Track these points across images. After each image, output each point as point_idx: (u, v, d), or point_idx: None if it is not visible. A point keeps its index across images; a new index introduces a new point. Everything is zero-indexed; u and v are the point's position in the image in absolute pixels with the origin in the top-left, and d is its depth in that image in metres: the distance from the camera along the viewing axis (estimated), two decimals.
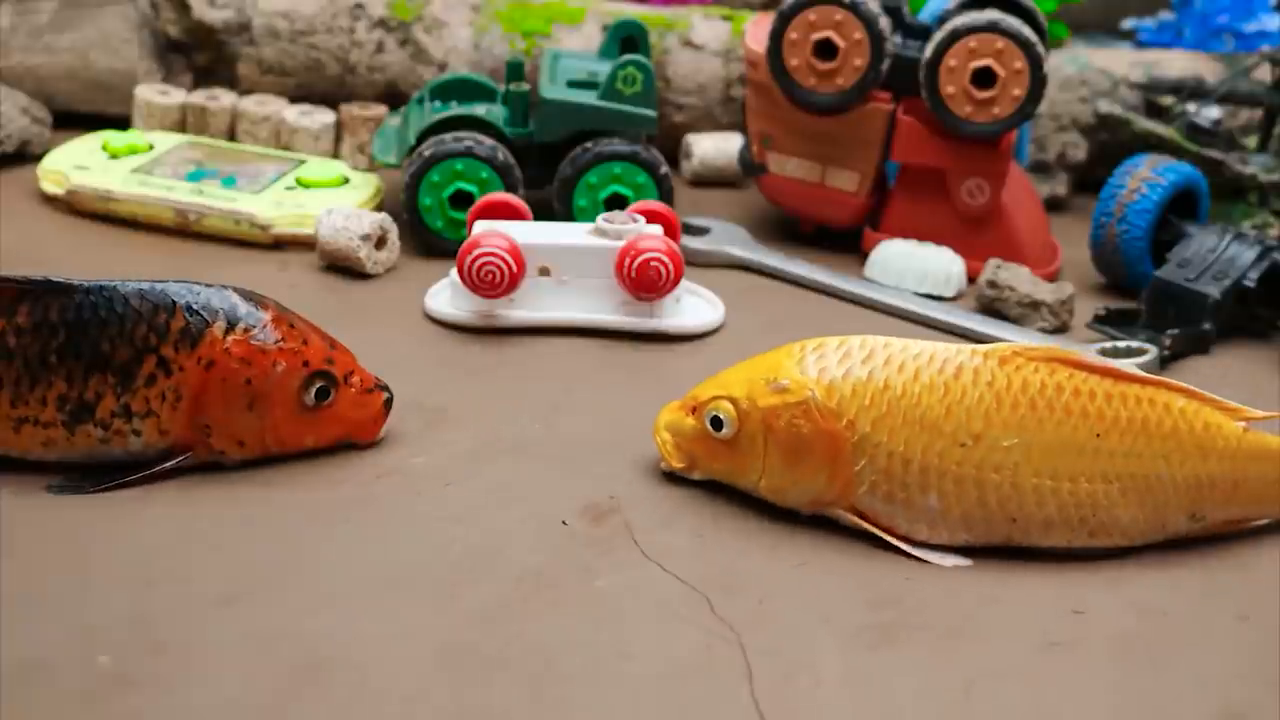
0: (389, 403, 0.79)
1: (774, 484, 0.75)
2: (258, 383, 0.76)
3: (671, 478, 0.79)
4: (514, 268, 0.90)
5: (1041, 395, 0.73)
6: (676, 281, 0.92)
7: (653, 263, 0.91)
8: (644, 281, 0.91)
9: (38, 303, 0.75)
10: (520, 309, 0.92)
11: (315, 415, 0.77)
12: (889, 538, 0.74)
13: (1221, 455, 0.75)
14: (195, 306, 0.76)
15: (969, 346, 0.75)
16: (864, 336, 0.76)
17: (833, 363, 0.75)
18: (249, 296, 0.77)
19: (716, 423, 0.75)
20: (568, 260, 0.92)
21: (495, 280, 0.90)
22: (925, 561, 0.74)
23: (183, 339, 0.75)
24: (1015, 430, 0.73)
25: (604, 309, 0.93)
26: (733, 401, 0.75)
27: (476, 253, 0.90)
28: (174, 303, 0.76)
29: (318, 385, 0.77)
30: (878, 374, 0.74)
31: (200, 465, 0.76)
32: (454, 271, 0.92)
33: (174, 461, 0.76)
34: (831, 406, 0.74)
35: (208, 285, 0.77)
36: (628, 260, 0.91)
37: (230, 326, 0.76)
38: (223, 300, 0.76)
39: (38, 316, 0.75)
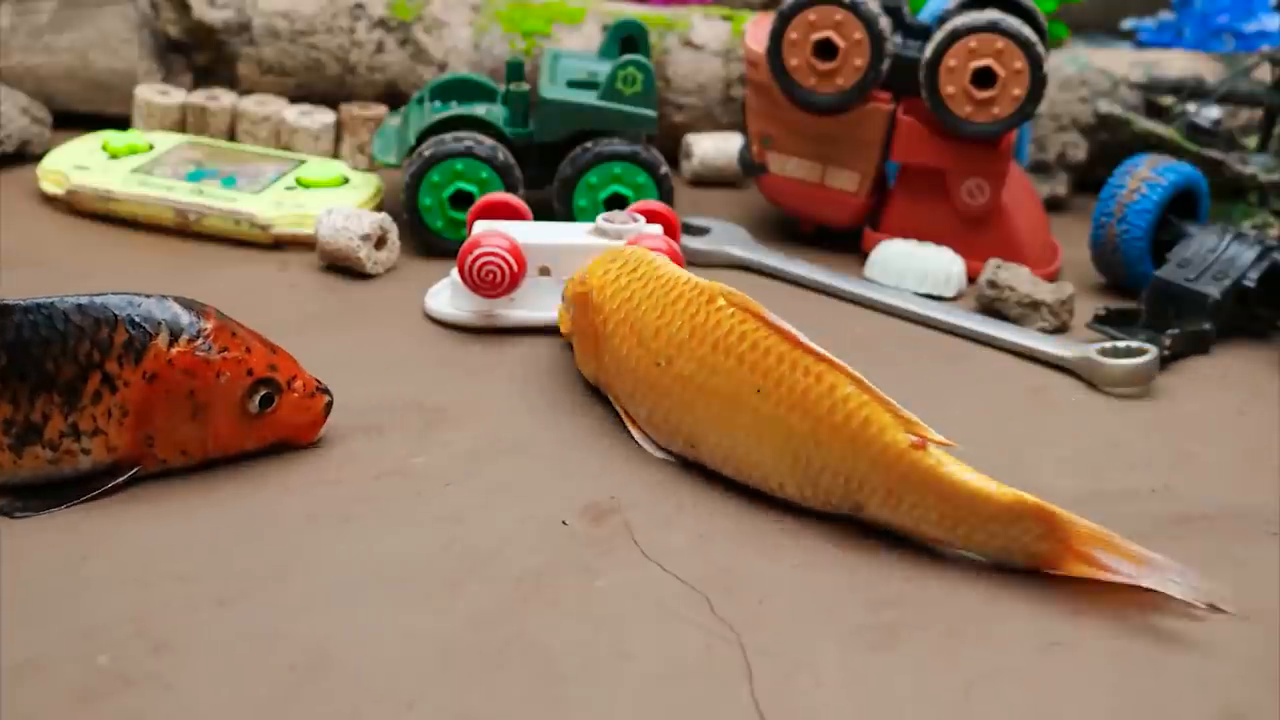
0: (329, 405, 0.79)
1: (576, 356, 0.86)
2: (201, 394, 0.75)
3: (676, 478, 0.78)
4: (515, 267, 0.90)
5: (725, 339, 0.77)
6: None
7: None
8: None
9: None
10: (520, 309, 0.92)
11: (258, 421, 0.77)
12: (629, 425, 0.81)
13: (874, 461, 0.73)
14: (137, 319, 0.75)
15: (695, 278, 0.80)
16: (647, 252, 0.84)
17: (614, 268, 0.83)
18: (190, 305, 0.76)
19: (562, 299, 0.87)
20: (568, 260, 0.92)
21: (496, 280, 0.90)
22: (643, 449, 0.80)
23: (126, 353, 0.74)
24: (694, 364, 0.77)
25: None
26: (573, 284, 0.85)
27: (477, 252, 0.90)
28: (115, 315, 0.74)
29: (262, 393, 0.76)
30: (630, 285, 0.81)
31: (151, 475, 0.76)
32: (454, 271, 0.92)
33: (125, 476, 0.75)
34: (596, 303, 0.82)
35: (148, 296, 0.76)
36: None
37: (174, 338, 0.75)
38: (165, 311, 0.75)
39: None
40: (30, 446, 0.74)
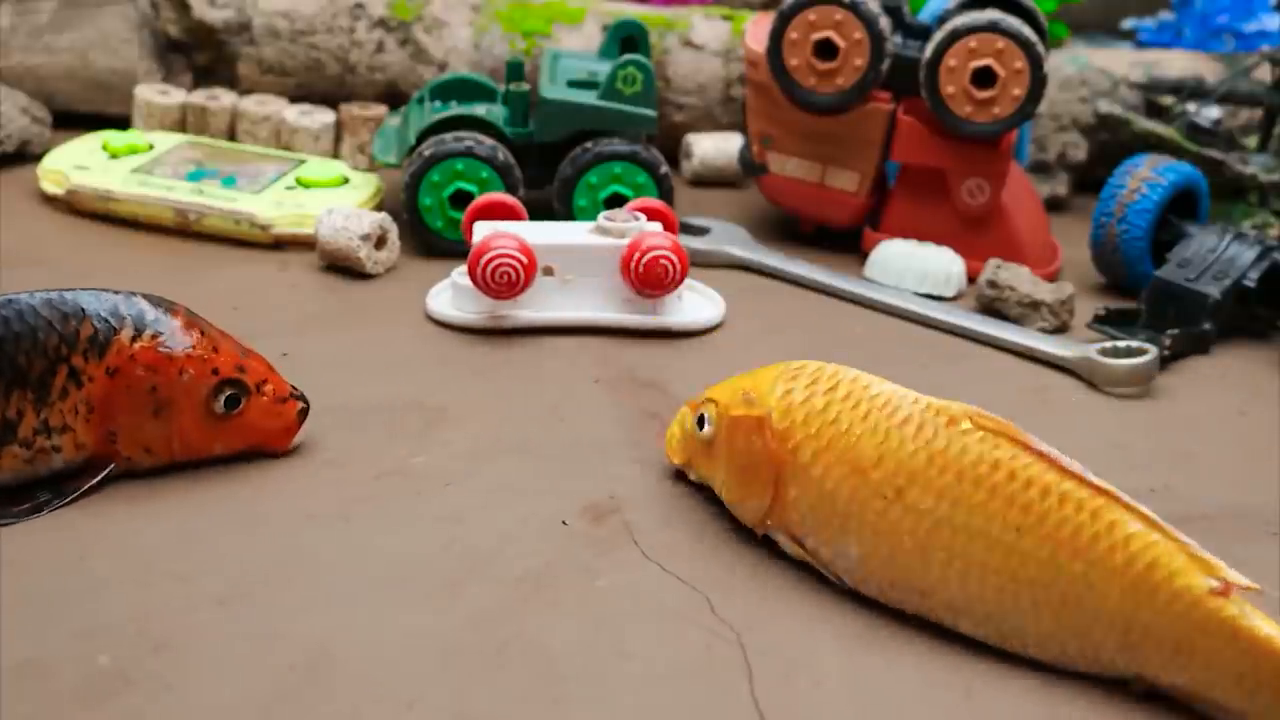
0: (304, 413, 0.78)
1: (730, 494, 0.73)
2: (164, 390, 0.74)
3: (676, 478, 0.79)
4: (527, 268, 0.90)
5: (972, 467, 0.67)
6: (683, 278, 0.92)
7: (661, 260, 0.91)
8: (651, 278, 0.91)
9: None
10: (524, 309, 0.92)
11: (225, 423, 0.76)
12: (826, 572, 0.70)
13: (1161, 609, 0.63)
14: (103, 314, 0.74)
15: (925, 399, 0.70)
16: (842, 368, 0.73)
17: (799, 386, 0.72)
18: (158, 303, 0.76)
19: (701, 422, 0.75)
20: (571, 260, 0.92)
21: (511, 281, 0.90)
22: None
23: (91, 347, 0.73)
24: (935, 496, 0.67)
25: (607, 307, 0.93)
26: (716, 405, 0.74)
27: (489, 255, 0.90)
28: (83, 310, 0.74)
29: (227, 394, 0.75)
30: (832, 406, 0.71)
31: (126, 473, 0.76)
32: (455, 273, 0.92)
33: (102, 475, 0.74)
34: (781, 429, 0.71)
35: (116, 292, 0.75)
36: (635, 257, 0.91)
37: (138, 333, 0.74)
38: (130, 307, 0.75)
39: None
40: (8, 446, 0.73)
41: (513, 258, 0.90)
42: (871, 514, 0.68)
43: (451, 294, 0.94)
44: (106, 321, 0.74)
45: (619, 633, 0.67)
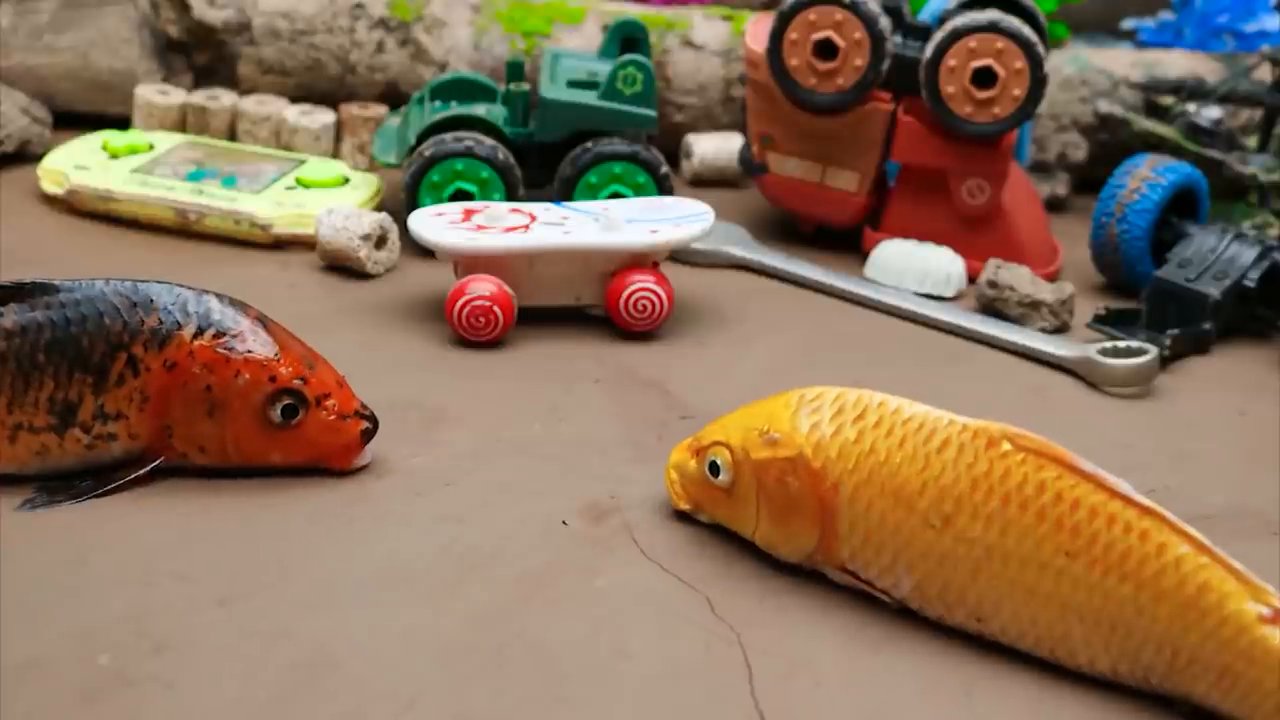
0: (368, 433, 0.77)
1: (766, 537, 0.71)
2: (218, 390, 0.74)
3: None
4: (505, 312, 0.90)
5: (1018, 491, 0.66)
6: (668, 312, 0.93)
7: (645, 295, 0.92)
8: (639, 314, 0.92)
9: (25, 304, 0.74)
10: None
11: (281, 434, 0.75)
12: (884, 597, 0.69)
13: (1210, 634, 0.62)
14: (171, 307, 0.75)
15: (961, 420, 0.69)
16: (861, 391, 0.71)
17: (825, 418, 0.70)
18: (231, 304, 0.76)
19: (714, 469, 0.72)
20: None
21: (488, 324, 0.90)
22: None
23: (153, 339, 0.74)
24: (983, 523, 0.66)
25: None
26: (729, 449, 0.72)
27: (465, 300, 0.89)
28: (151, 301, 0.75)
29: (284, 403, 0.75)
30: (865, 436, 0.69)
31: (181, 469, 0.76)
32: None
33: (148, 467, 0.75)
34: (818, 467, 0.69)
35: (190, 288, 0.76)
36: (624, 295, 0.92)
37: (200, 331, 0.74)
38: (199, 304, 0.75)
39: (23, 317, 0.74)
40: (70, 428, 0.74)
41: (488, 301, 0.89)
42: (921, 544, 0.67)
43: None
44: (172, 315, 0.74)
45: (619, 633, 0.67)
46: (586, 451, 0.81)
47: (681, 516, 0.76)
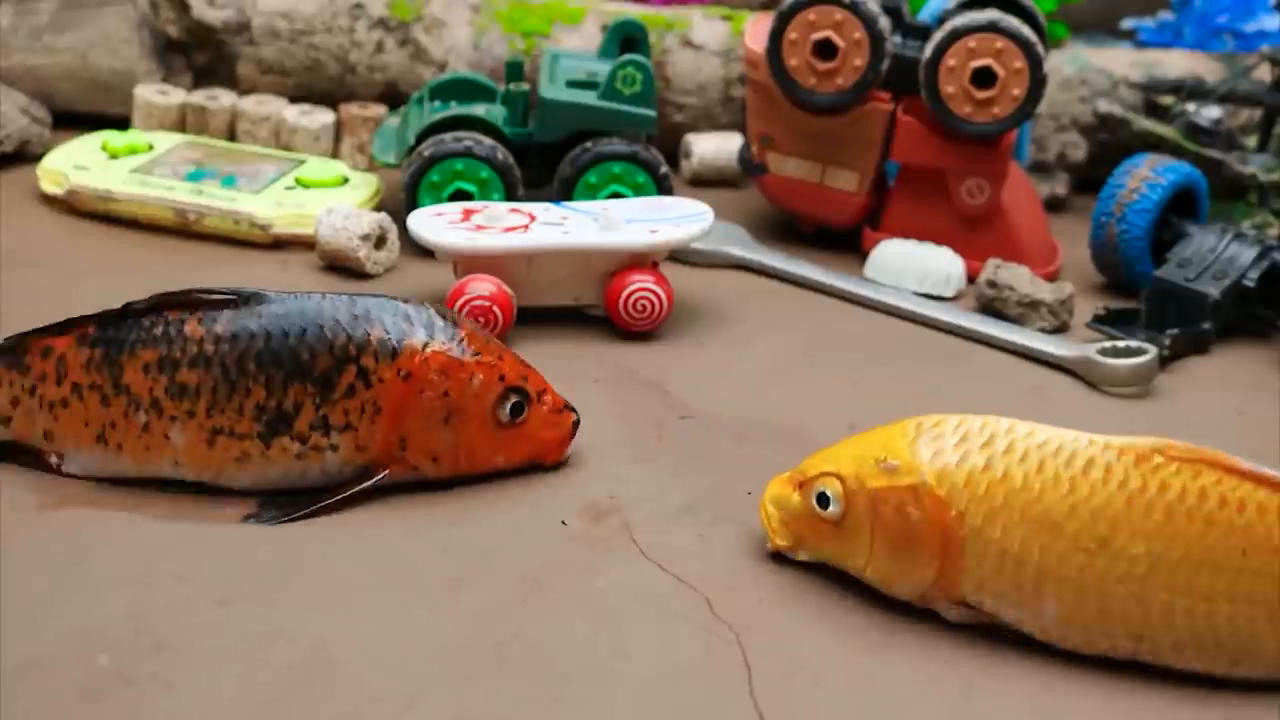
0: (577, 424, 0.78)
1: (880, 571, 0.69)
2: (455, 395, 0.75)
3: (670, 477, 0.78)
4: (504, 312, 0.90)
5: (1181, 501, 0.65)
6: (668, 312, 0.92)
7: (641, 294, 0.92)
8: (638, 314, 0.92)
9: (238, 312, 0.74)
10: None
11: (508, 433, 0.76)
12: (1011, 630, 0.68)
13: None
14: (394, 317, 0.75)
15: (1101, 439, 0.67)
16: (986, 417, 0.69)
17: (948, 445, 0.68)
18: (443, 313, 0.76)
19: (823, 500, 0.70)
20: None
21: (484, 325, 0.89)
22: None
23: (382, 349, 0.74)
24: (1147, 539, 0.65)
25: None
26: (840, 479, 0.69)
27: (465, 299, 0.89)
28: (372, 313, 0.75)
29: (513, 401, 0.76)
30: (996, 462, 0.67)
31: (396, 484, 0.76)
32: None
33: (374, 480, 0.75)
34: (942, 495, 0.67)
35: (404, 301, 0.76)
36: (624, 294, 0.92)
37: (429, 338, 0.75)
38: (420, 313, 0.76)
39: (235, 324, 0.74)
40: (279, 437, 0.74)
41: (487, 301, 0.89)
42: (1072, 569, 0.66)
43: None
44: (398, 325, 0.75)
45: (619, 633, 0.67)
46: (586, 451, 0.81)
47: (680, 515, 0.76)
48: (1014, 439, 0.68)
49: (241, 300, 0.74)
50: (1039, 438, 0.68)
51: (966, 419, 0.69)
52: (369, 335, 0.74)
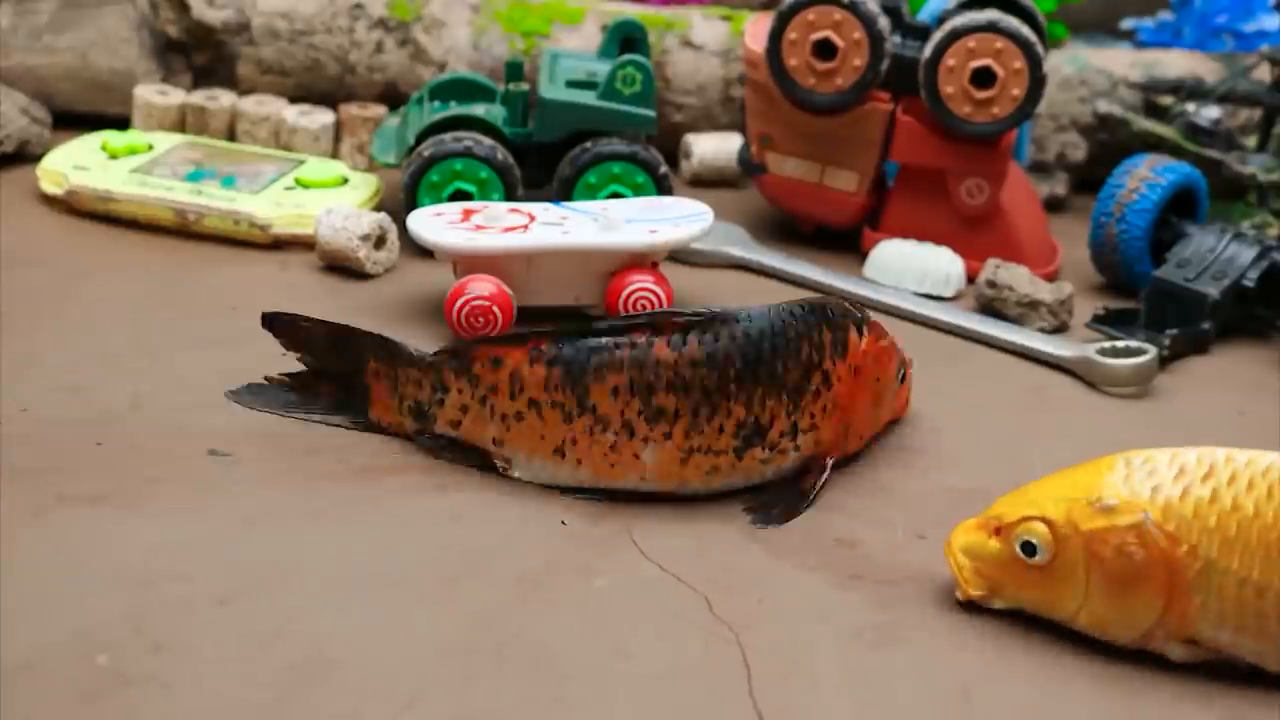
0: (902, 374, 0.83)
1: (1096, 616, 0.67)
2: (883, 379, 0.80)
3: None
4: (504, 312, 0.89)
5: None
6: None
7: (641, 294, 0.91)
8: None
9: (706, 333, 0.76)
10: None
11: (892, 398, 0.82)
12: (1246, 665, 0.66)
13: None
14: (834, 317, 0.78)
15: None
16: (1200, 449, 0.67)
17: (1166, 480, 0.66)
18: (838, 305, 0.80)
19: (1028, 548, 0.67)
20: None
21: (484, 325, 0.89)
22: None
23: (835, 349, 0.77)
24: None
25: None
26: (1048, 523, 0.67)
27: (464, 300, 0.89)
28: (814, 318, 0.77)
29: (903, 371, 0.82)
30: (1222, 493, 0.65)
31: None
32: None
33: (828, 470, 0.78)
34: (1169, 530, 0.65)
35: (815, 299, 0.80)
36: (624, 295, 0.91)
37: (859, 332, 0.79)
38: (839, 308, 0.79)
39: (709, 347, 0.75)
40: (752, 449, 0.76)
41: (487, 301, 0.89)
42: None
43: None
44: (837, 325, 0.78)
45: (619, 633, 0.67)
46: None
47: (679, 515, 0.76)
48: (1236, 470, 0.66)
49: (710, 321, 0.76)
50: (1261, 464, 0.66)
51: (1180, 452, 0.67)
52: (823, 339, 0.77)
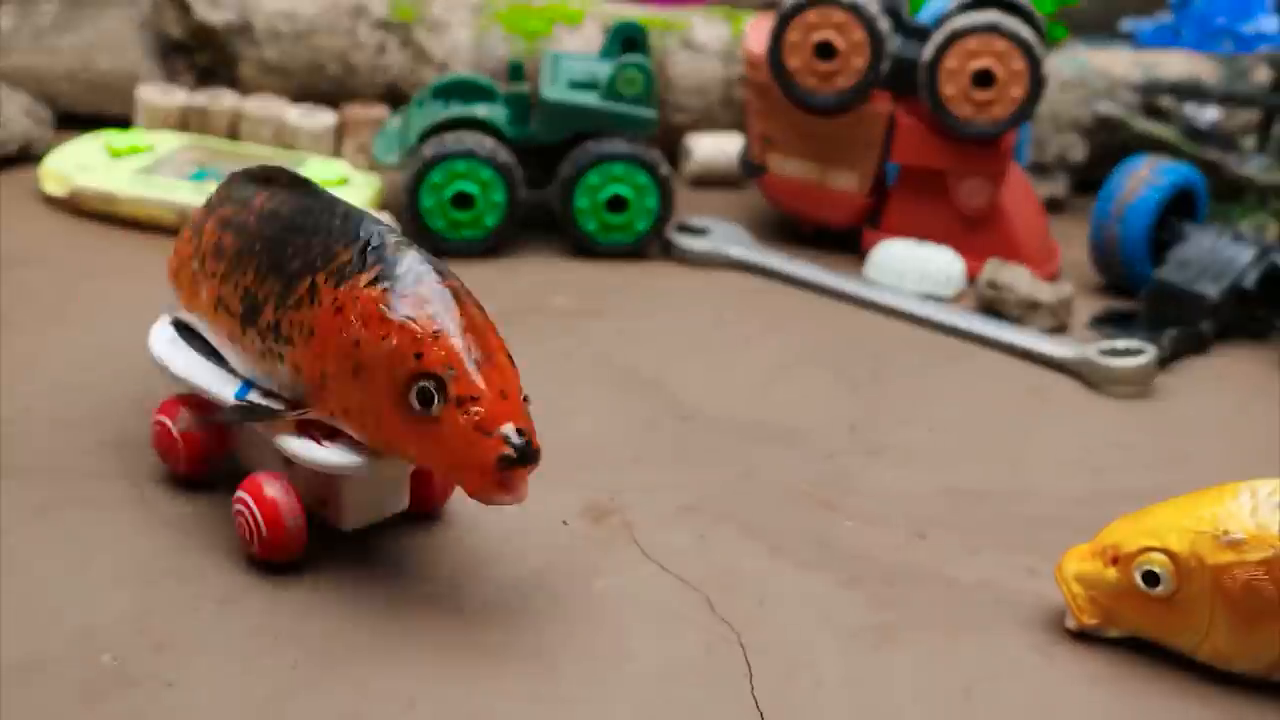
0: (505, 462, 0.64)
1: (1220, 648, 0.65)
2: (365, 350, 0.65)
3: (670, 477, 0.78)
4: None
5: None
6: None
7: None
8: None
9: (287, 191, 0.72)
10: None
11: (418, 425, 0.64)
12: None
13: None
14: (366, 246, 0.67)
15: None
16: None
17: (1271, 506, 0.64)
18: (428, 260, 0.67)
19: (1150, 578, 0.66)
20: None
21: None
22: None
23: (337, 270, 0.67)
24: None
25: None
26: (1170, 555, 0.65)
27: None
28: (352, 229, 0.68)
29: (419, 386, 0.64)
30: None
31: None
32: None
33: (299, 412, 0.68)
34: None
35: (396, 232, 0.69)
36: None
37: (376, 279, 0.66)
38: (395, 253, 0.67)
39: (275, 202, 0.72)
40: (250, 327, 0.70)
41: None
42: None
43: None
44: (363, 255, 0.67)
45: (619, 633, 0.67)
46: (586, 451, 0.81)
47: (680, 515, 0.76)
48: None
49: (286, 182, 0.72)
50: None
51: None
52: (335, 252, 0.68)
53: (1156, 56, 1.21)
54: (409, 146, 1.02)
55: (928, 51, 1.01)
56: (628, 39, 1.09)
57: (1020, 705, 0.65)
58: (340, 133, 1.14)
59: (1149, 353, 0.92)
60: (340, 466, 0.68)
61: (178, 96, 1.15)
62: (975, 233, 1.05)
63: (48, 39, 1.16)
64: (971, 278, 1.03)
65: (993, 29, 1.00)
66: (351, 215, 0.69)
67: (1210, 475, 0.82)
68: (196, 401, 0.74)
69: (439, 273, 0.67)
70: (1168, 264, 0.99)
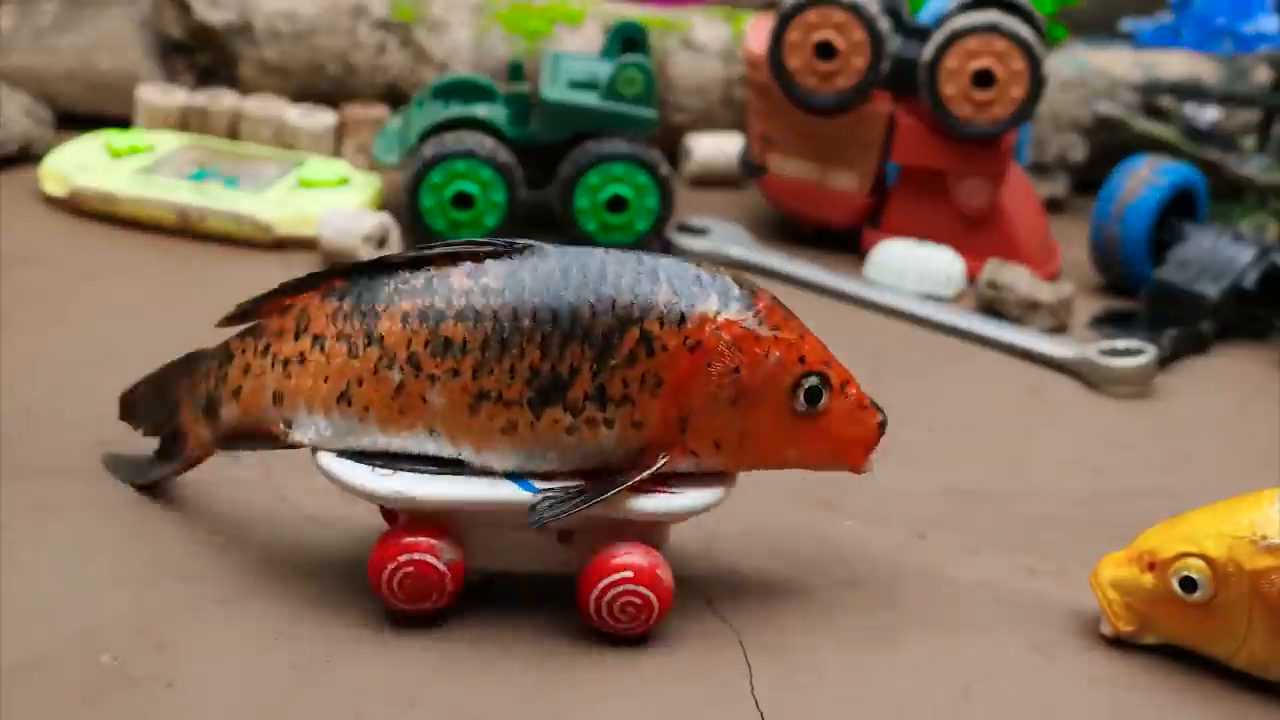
0: (883, 426, 0.68)
1: (1257, 654, 0.65)
2: (747, 374, 0.65)
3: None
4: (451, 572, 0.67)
5: None
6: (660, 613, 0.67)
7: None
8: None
9: (509, 260, 0.65)
10: None
11: (803, 425, 0.66)
12: None
13: None
14: (685, 280, 0.65)
15: None
16: None
17: None
18: (740, 280, 0.67)
19: (1188, 584, 0.65)
20: None
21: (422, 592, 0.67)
22: None
23: (666, 310, 0.64)
24: None
25: None
26: (1208, 560, 0.65)
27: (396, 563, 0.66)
28: (660, 272, 0.65)
29: (809, 385, 0.66)
30: None
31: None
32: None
33: (655, 466, 0.65)
34: None
35: (698, 264, 0.67)
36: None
37: (722, 307, 0.65)
38: (714, 279, 0.66)
39: (506, 272, 0.65)
40: (550, 406, 0.65)
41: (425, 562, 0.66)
42: None
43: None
44: (688, 288, 0.65)
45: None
46: None
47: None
48: None
49: (515, 252, 0.65)
50: None
51: None
52: (655, 296, 0.65)
53: (1156, 56, 1.21)
54: (409, 146, 1.02)
55: (928, 51, 1.01)
56: (628, 39, 1.09)
57: (1020, 705, 0.65)
58: (340, 133, 1.14)
59: (1149, 353, 0.92)
60: (707, 504, 0.66)
61: (178, 96, 1.15)
62: (975, 233, 1.05)
63: (48, 39, 1.16)
64: (971, 278, 1.03)
65: (993, 29, 1.00)
66: (633, 257, 0.66)
67: (1210, 475, 0.83)
68: (444, 526, 0.66)
69: (746, 281, 0.67)
70: (1168, 264, 0.99)
